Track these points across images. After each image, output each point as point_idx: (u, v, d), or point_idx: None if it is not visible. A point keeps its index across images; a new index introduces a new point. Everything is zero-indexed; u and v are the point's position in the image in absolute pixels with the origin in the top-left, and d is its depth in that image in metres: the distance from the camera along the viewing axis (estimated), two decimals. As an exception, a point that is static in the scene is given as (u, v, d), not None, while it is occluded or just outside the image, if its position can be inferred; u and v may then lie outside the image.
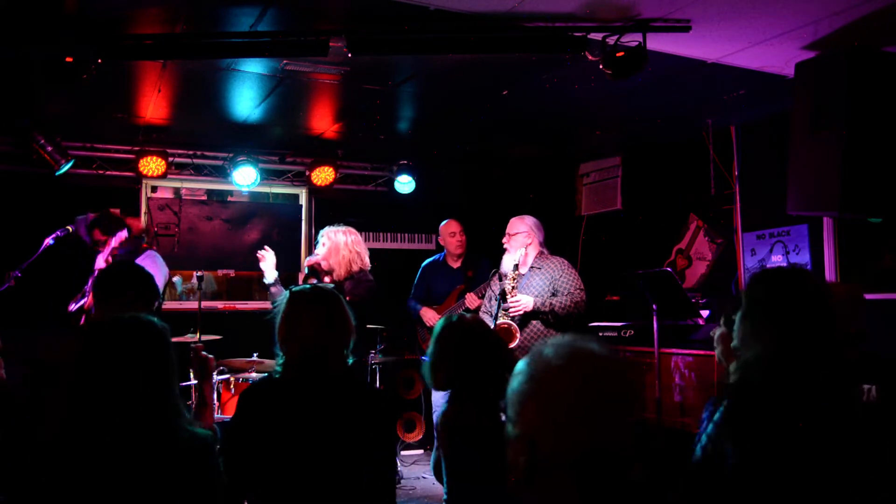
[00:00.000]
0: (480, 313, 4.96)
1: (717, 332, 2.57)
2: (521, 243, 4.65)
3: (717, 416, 1.84)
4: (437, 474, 2.68)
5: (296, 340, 2.37)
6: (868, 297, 4.16)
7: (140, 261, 5.08)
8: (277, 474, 2.21)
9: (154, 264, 5.02)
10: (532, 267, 4.64)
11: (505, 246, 4.70)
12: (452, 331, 2.70)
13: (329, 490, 2.22)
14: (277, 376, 2.38)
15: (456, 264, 5.86)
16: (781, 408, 1.78)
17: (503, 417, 2.44)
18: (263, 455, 2.23)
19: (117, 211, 6.15)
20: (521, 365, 1.33)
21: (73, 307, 4.90)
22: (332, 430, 2.25)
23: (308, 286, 2.52)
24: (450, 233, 5.81)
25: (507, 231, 4.75)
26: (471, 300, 5.65)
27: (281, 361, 2.40)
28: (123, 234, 4.83)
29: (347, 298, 4.34)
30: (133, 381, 1.88)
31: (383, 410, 2.44)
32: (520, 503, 1.28)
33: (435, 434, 2.63)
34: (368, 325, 5.23)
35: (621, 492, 1.24)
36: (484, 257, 5.83)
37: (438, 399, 5.76)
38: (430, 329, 5.78)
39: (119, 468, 1.80)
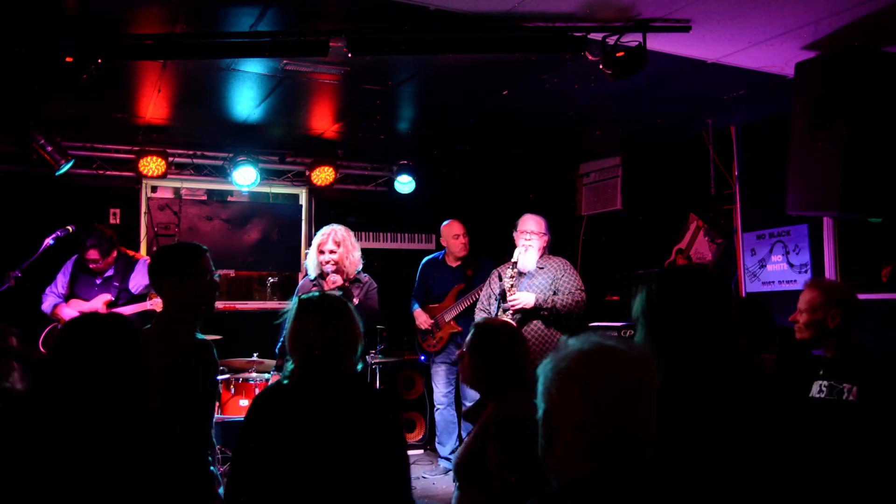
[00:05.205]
0: (477, 310, 4.97)
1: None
2: (541, 245, 4.68)
3: None
4: None
5: (304, 347, 2.40)
6: (868, 297, 4.17)
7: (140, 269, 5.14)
8: (288, 480, 2.23)
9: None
10: (536, 267, 4.66)
11: (526, 243, 4.66)
12: (487, 336, 2.65)
13: (341, 494, 2.24)
14: (286, 382, 2.41)
15: (455, 263, 5.86)
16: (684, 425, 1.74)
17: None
18: (274, 461, 2.25)
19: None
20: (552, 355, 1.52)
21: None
22: (342, 435, 2.27)
23: (316, 293, 2.54)
24: (453, 234, 5.81)
25: (528, 229, 4.71)
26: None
27: (290, 367, 2.43)
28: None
29: (356, 302, 4.32)
30: (104, 376, 1.93)
31: (391, 412, 2.45)
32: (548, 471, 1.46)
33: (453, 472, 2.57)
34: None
35: (636, 468, 1.38)
36: (485, 254, 5.81)
37: (441, 398, 5.77)
38: (423, 331, 5.80)
39: (82, 466, 1.83)
